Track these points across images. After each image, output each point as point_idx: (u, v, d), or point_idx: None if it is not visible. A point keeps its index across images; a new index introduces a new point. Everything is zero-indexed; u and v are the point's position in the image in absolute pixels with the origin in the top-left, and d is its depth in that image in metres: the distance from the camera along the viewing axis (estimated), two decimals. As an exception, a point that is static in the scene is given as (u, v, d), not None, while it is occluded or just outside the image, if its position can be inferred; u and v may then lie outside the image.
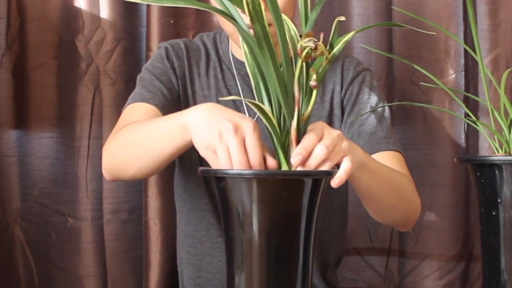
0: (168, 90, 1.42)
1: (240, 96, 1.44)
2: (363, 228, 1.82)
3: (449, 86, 1.74)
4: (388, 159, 1.36)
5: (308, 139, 0.98)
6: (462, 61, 1.77)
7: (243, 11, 0.91)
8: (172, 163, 1.24)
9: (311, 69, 0.95)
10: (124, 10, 1.81)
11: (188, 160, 1.45)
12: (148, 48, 1.76)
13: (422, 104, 1.73)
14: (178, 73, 1.46)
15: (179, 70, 1.46)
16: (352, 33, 1.00)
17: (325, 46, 0.94)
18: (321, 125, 1.03)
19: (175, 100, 1.43)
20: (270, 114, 0.96)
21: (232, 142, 0.99)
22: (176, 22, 1.79)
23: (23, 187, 1.81)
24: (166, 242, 1.75)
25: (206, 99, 1.46)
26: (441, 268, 1.80)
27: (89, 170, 1.80)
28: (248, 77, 1.02)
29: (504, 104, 1.31)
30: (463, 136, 1.79)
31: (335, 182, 0.99)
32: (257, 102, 0.98)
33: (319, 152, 0.98)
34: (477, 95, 1.71)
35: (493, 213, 1.22)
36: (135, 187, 1.81)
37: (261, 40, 0.92)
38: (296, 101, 0.95)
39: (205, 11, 1.74)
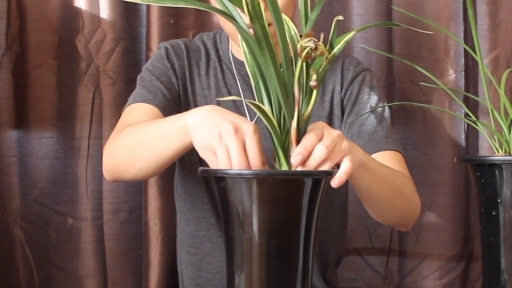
0: (168, 90, 1.42)
1: (240, 96, 1.44)
2: (363, 228, 1.82)
3: (449, 86, 1.74)
4: (388, 159, 1.36)
5: (308, 139, 0.98)
6: (462, 61, 1.77)
7: (243, 11, 0.91)
8: (172, 163, 1.24)
9: (311, 69, 0.95)
10: (124, 10, 1.81)
11: (188, 160, 1.45)
12: (148, 48, 1.76)
13: (422, 104, 1.73)
14: (178, 73, 1.46)
15: (179, 70, 1.46)
16: (352, 33, 1.00)
17: (325, 46, 0.94)
18: (321, 125, 1.03)
19: (175, 100, 1.43)
20: (270, 114, 0.96)
21: (232, 143, 0.99)
22: (176, 22, 1.79)
23: (23, 187, 1.81)
24: (166, 242, 1.75)
25: (206, 99, 1.46)
26: (441, 268, 1.80)
27: (89, 170, 1.80)
28: (248, 77, 1.02)
29: (504, 104, 1.31)
30: (463, 136, 1.79)
31: (335, 182, 0.99)
32: (257, 102, 0.98)
33: (319, 152, 0.98)
34: (477, 95, 1.71)
35: (493, 213, 1.22)
36: (135, 187, 1.81)
37: (261, 40, 0.92)
38: (296, 101, 0.95)
39: (205, 11, 1.74)
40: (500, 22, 1.74)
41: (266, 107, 0.97)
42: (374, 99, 1.45)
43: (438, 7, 1.77)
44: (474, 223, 1.80)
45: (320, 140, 1.00)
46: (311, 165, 0.98)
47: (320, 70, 0.97)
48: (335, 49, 0.98)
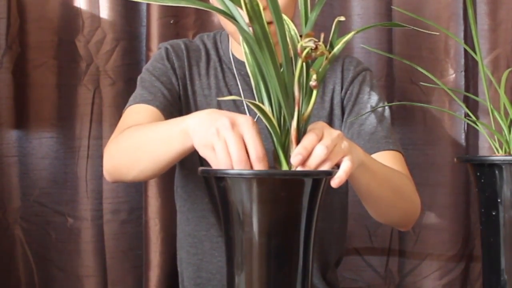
0: (169, 91, 1.42)
1: (240, 96, 1.44)
2: (363, 228, 1.82)
3: (449, 86, 1.74)
4: (388, 159, 1.36)
5: (308, 139, 0.98)
6: (462, 61, 1.77)
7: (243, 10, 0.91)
8: (173, 164, 1.24)
9: (311, 69, 0.95)
10: (124, 10, 1.81)
11: (188, 160, 1.44)
12: (148, 48, 1.76)
13: (422, 104, 1.73)
14: (179, 74, 1.46)
15: (180, 70, 1.46)
16: (352, 33, 1.00)
17: (325, 46, 0.94)
18: (321, 125, 1.03)
19: (175, 101, 1.43)
20: (270, 114, 0.96)
21: (229, 137, 0.98)
22: (176, 22, 1.79)
23: (23, 187, 1.81)
24: (166, 242, 1.75)
25: (206, 99, 1.46)
26: (441, 268, 1.80)
27: (89, 170, 1.80)
28: (249, 77, 1.02)
29: (504, 104, 1.31)
30: (463, 136, 1.79)
31: (335, 182, 0.99)
32: (257, 102, 0.98)
33: (319, 152, 0.98)
34: (477, 95, 1.71)
35: (493, 213, 1.22)
36: (135, 187, 1.81)
37: (261, 39, 0.92)
38: (296, 101, 0.95)
39: (205, 11, 1.74)
40: (500, 22, 1.74)
41: (266, 107, 0.97)
42: (374, 99, 1.45)
43: (438, 7, 1.77)
44: (474, 223, 1.80)
45: (320, 140, 0.99)
46: (311, 165, 0.98)
47: (320, 70, 0.97)
48: (335, 49, 0.98)
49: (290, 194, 0.94)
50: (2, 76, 1.77)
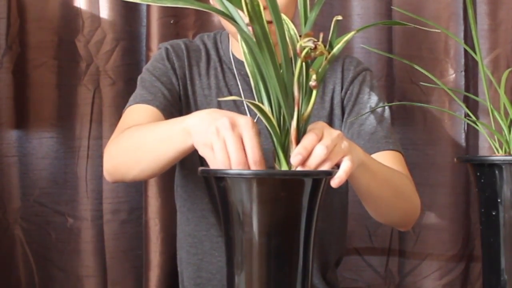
0: (169, 91, 1.42)
1: (241, 96, 1.44)
2: (363, 228, 1.82)
3: (449, 86, 1.74)
4: (388, 159, 1.36)
5: (308, 139, 0.98)
6: (462, 61, 1.77)
7: (243, 11, 0.91)
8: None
9: (310, 69, 0.95)
10: (124, 10, 1.81)
11: (188, 160, 1.44)
12: (148, 48, 1.76)
13: (422, 104, 1.73)
14: (179, 74, 1.46)
15: (180, 70, 1.46)
16: (352, 33, 1.00)
17: (325, 46, 0.94)
18: (321, 125, 1.03)
19: (176, 101, 1.43)
20: (270, 114, 0.96)
21: (229, 137, 0.98)
22: (176, 22, 1.79)
23: (23, 187, 1.81)
24: (166, 242, 1.75)
25: (206, 99, 1.46)
26: (441, 268, 1.80)
27: (89, 170, 1.80)
28: (249, 77, 1.02)
29: (504, 104, 1.31)
30: (463, 136, 1.79)
31: (335, 182, 0.99)
32: (257, 102, 0.97)
33: (319, 152, 0.98)
34: (477, 95, 1.71)
35: (493, 213, 1.22)
36: (135, 187, 1.81)
37: (261, 40, 0.92)
38: (296, 101, 0.95)
39: (205, 11, 1.74)
40: (500, 22, 1.74)
41: (266, 107, 0.97)
42: (374, 99, 1.45)
43: (438, 7, 1.77)
44: (474, 223, 1.80)
45: (320, 140, 0.99)
46: (311, 165, 0.98)
47: (320, 70, 0.97)
48: (335, 49, 0.98)
49: (290, 194, 0.94)
50: (2, 76, 1.77)
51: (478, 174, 1.24)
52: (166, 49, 1.47)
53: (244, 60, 1.03)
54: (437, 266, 1.80)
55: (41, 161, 1.82)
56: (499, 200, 1.21)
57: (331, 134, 1.02)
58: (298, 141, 0.98)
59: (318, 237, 0.98)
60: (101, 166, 1.32)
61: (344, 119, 1.46)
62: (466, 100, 1.74)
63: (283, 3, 1.31)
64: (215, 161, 0.99)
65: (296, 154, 0.96)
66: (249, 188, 0.92)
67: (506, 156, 1.27)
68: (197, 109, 1.45)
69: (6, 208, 1.80)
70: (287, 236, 0.94)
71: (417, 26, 1.27)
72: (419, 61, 1.73)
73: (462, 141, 1.79)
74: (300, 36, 0.95)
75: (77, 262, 1.81)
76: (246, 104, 1.44)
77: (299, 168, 0.97)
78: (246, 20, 0.92)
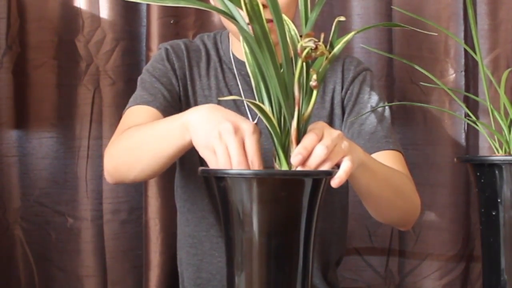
0: (169, 92, 1.42)
1: (241, 96, 1.44)
2: (363, 228, 1.82)
3: (449, 86, 1.74)
4: (388, 159, 1.36)
5: (308, 139, 0.98)
6: (462, 61, 1.77)
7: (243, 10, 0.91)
8: (173, 164, 1.24)
9: (311, 69, 0.95)
10: (124, 10, 1.81)
11: (188, 160, 1.45)
12: (148, 48, 1.76)
13: (422, 104, 1.73)
14: (179, 74, 1.46)
15: (180, 71, 1.46)
16: (352, 33, 1.00)
17: (325, 46, 0.94)
18: (321, 125, 1.03)
19: (176, 101, 1.43)
20: (270, 114, 0.96)
21: (231, 142, 0.99)
22: (176, 22, 1.79)
23: (23, 187, 1.81)
24: (166, 242, 1.75)
25: (207, 99, 1.46)
26: (441, 268, 1.80)
27: (89, 170, 1.80)
28: (249, 77, 1.02)
29: (504, 104, 1.31)
30: (463, 136, 1.79)
31: (335, 182, 0.99)
32: (257, 102, 0.98)
33: (319, 152, 0.98)
34: (477, 95, 1.71)
35: (493, 213, 1.22)
36: (135, 187, 1.80)
37: (261, 39, 0.92)
38: (296, 101, 0.95)
39: (205, 11, 1.74)
40: (500, 22, 1.74)
41: (267, 107, 0.98)
42: (374, 99, 1.45)
43: (438, 7, 1.77)
44: (474, 223, 1.80)
45: (320, 140, 1.00)
46: (311, 165, 0.98)
47: (320, 70, 0.97)
48: (335, 49, 0.98)
49: (290, 194, 0.94)
50: (2, 76, 1.77)
51: (478, 174, 1.24)
52: (166, 49, 1.47)
53: (245, 60, 1.03)
54: (437, 266, 1.80)
55: (41, 161, 1.82)
56: (499, 200, 1.21)
57: (331, 134, 1.02)
58: (298, 141, 0.98)
59: (318, 237, 0.98)
60: (101, 166, 1.32)
61: (345, 119, 1.46)
62: (466, 100, 1.74)
63: (284, 3, 1.31)
64: (217, 164, 1.00)
65: (296, 154, 0.96)
66: (249, 188, 0.92)
67: (506, 156, 1.27)
68: (197, 109, 1.45)
69: (6, 208, 1.80)
70: (287, 236, 0.94)
71: (417, 30, 1.27)
72: (419, 61, 1.73)
73: (462, 141, 1.79)
74: (300, 36, 0.95)
75: (77, 262, 1.81)
76: (247, 104, 1.44)
77: (299, 168, 0.97)
78: (247, 19, 0.92)
